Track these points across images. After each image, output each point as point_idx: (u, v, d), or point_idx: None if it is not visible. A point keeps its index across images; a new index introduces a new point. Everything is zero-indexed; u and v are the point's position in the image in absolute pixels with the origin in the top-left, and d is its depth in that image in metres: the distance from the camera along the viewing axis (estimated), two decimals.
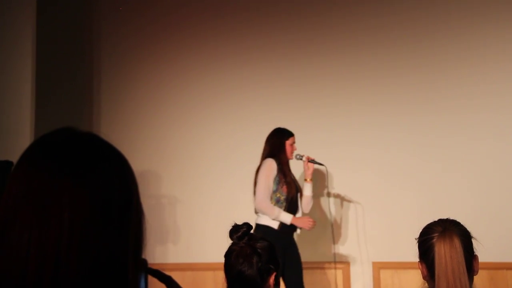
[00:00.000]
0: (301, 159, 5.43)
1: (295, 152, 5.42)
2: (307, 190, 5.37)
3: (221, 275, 2.48)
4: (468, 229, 2.36)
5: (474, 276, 2.31)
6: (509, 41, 6.15)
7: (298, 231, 5.29)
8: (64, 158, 0.92)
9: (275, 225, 5.14)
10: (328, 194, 6.29)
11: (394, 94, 6.31)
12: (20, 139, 5.42)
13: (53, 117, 6.18)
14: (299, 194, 5.32)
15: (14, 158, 0.99)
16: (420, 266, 2.36)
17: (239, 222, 2.51)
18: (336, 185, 6.28)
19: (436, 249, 2.23)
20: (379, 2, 6.48)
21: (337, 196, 6.27)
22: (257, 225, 5.19)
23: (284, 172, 5.22)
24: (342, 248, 6.20)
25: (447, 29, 6.29)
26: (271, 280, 2.43)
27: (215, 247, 6.06)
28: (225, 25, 6.71)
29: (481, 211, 5.95)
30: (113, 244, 0.91)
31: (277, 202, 5.16)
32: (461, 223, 2.39)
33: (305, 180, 5.41)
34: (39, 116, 5.74)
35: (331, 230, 6.11)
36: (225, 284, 2.46)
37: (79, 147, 0.94)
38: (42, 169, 0.91)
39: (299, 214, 5.29)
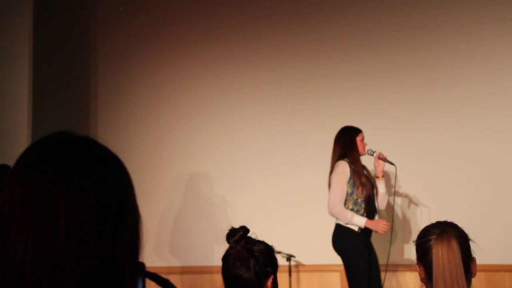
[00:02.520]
0: (372, 155, 5.31)
1: (367, 147, 5.32)
2: (381, 187, 5.25)
3: (219, 279, 2.47)
4: (467, 231, 2.36)
5: (472, 278, 2.31)
6: (510, 42, 6.16)
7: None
8: (60, 162, 0.92)
9: (355, 227, 5.07)
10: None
11: (398, 95, 6.32)
12: (17, 142, 5.41)
13: (50, 120, 6.17)
14: (375, 191, 5.25)
15: (11, 161, 0.98)
16: (418, 269, 2.36)
17: (237, 226, 2.51)
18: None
19: (434, 251, 2.23)
20: (380, 4, 6.49)
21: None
22: (337, 225, 5.14)
23: (358, 172, 5.11)
24: None
25: (449, 29, 6.31)
26: (269, 283, 2.42)
27: (213, 250, 6.08)
28: (223, 27, 6.71)
29: (480, 213, 5.96)
30: (110, 248, 0.91)
31: (355, 204, 5.10)
32: (460, 225, 2.39)
33: (377, 177, 5.28)
34: (36, 120, 5.74)
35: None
36: None
37: (75, 151, 0.94)
38: (38, 173, 0.91)
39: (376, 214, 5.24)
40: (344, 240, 5.12)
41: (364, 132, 5.47)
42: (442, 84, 6.25)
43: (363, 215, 5.09)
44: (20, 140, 5.47)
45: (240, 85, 6.60)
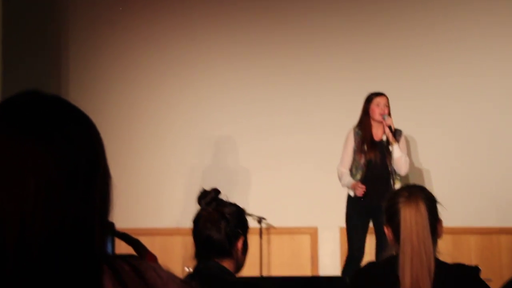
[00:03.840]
0: (384, 119, 5.28)
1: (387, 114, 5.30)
2: (394, 152, 5.25)
3: (190, 240, 2.49)
4: (434, 193, 2.40)
5: (438, 240, 2.36)
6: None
7: None
8: (28, 121, 0.91)
9: (351, 192, 5.30)
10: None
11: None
12: None
13: (20, 83, 6.07)
14: (388, 156, 5.26)
15: None
16: (386, 230, 2.40)
17: (208, 188, 2.52)
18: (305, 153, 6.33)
19: (402, 213, 2.27)
20: None
21: (306, 161, 6.32)
22: None
23: (363, 138, 5.30)
24: (310, 213, 6.26)
25: None
26: (239, 244, 2.45)
27: (184, 212, 6.10)
28: None
29: (448, 176, 6.07)
30: (79, 208, 0.90)
31: (356, 169, 5.30)
32: (428, 188, 2.43)
33: (390, 144, 5.29)
34: (6, 83, 5.65)
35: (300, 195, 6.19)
36: (193, 249, 2.48)
37: (44, 110, 0.93)
38: (5, 132, 0.90)
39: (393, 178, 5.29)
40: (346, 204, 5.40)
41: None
42: (436, 49, 6.32)
43: (359, 180, 5.24)
44: None
45: (214, 48, 6.55)
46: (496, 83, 6.27)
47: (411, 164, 6.13)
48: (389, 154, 5.25)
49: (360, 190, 5.14)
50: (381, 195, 5.05)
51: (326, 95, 6.36)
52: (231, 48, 6.53)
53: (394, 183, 5.24)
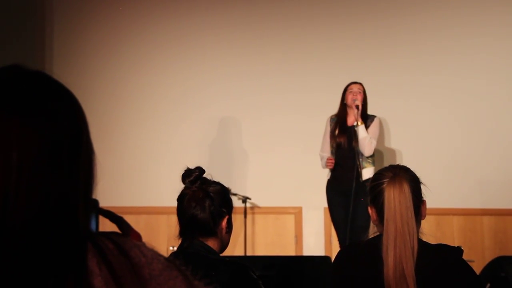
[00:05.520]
0: (354, 102, 5.39)
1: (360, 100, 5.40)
2: (359, 133, 5.30)
3: (174, 219, 2.49)
4: (419, 174, 2.41)
5: (422, 221, 2.38)
6: None
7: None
8: (12, 96, 0.90)
9: (329, 176, 5.44)
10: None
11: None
12: None
13: (4, 61, 5.99)
14: (355, 139, 5.32)
15: None
16: (370, 211, 2.41)
17: (193, 167, 2.51)
18: (296, 130, 6.33)
19: (386, 194, 2.28)
20: None
21: (292, 142, 6.33)
22: None
23: (336, 124, 5.46)
24: (294, 193, 6.28)
25: None
26: (224, 223, 2.45)
27: (168, 191, 6.10)
28: None
29: (433, 158, 6.10)
30: (63, 184, 0.90)
31: (331, 154, 5.44)
32: (412, 169, 2.43)
33: (356, 125, 5.35)
34: None
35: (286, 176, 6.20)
36: (178, 228, 2.47)
37: (28, 85, 0.92)
38: None
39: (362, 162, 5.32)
40: None
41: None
42: (431, 25, 6.32)
43: (332, 163, 5.37)
44: None
45: (201, 26, 6.51)
46: (479, 63, 6.29)
47: (385, 145, 6.16)
48: (356, 137, 5.31)
49: (330, 162, 5.32)
50: (347, 177, 5.20)
51: (314, 77, 6.35)
52: (224, 29, 6.50)
53: (362, 166, 5.24)
